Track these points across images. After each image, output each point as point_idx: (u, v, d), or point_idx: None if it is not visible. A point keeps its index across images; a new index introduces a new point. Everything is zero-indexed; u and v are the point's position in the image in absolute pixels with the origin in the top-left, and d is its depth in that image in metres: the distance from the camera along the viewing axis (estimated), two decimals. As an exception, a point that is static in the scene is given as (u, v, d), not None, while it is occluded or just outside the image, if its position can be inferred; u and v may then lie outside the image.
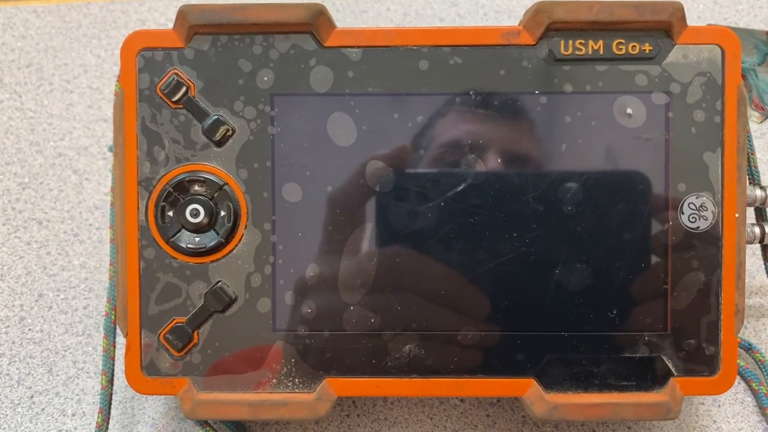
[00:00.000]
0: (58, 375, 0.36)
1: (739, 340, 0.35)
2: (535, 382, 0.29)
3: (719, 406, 0.34)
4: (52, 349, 0.36)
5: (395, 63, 0.29)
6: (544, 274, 0.29)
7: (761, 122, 0.33)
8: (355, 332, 0.29)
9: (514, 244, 0.29)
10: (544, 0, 0.29)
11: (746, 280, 0.37)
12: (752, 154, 0.33)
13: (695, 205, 0.29)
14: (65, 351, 0.36)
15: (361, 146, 0.29)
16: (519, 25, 0.29)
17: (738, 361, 0.31)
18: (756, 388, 0.34)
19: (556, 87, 0.29)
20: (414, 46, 0.29)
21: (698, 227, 0.29)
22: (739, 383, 0.35)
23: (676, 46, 0.29)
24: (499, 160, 0.29)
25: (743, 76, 0.32)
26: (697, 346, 0.29)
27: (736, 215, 0.29)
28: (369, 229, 0.29)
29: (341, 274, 0.29)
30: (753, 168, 0.33)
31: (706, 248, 0.29)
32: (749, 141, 0.33)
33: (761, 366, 0.34)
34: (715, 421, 0.34)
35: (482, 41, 0.29)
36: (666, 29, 0.29)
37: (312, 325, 0.29)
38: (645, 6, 0.28)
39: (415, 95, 0.29)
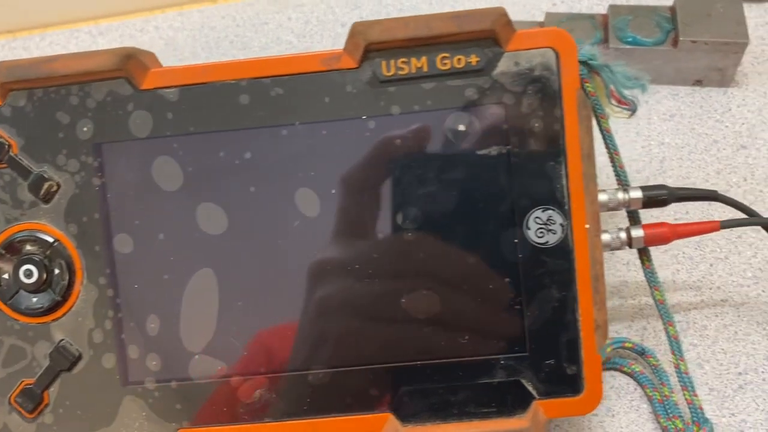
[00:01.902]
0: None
1: (631, 345, 0.33)
2: (392, 417, 0.28)
3: (613, 416, 0.33)
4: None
5: (214, 100, 0.28)
6: (390, 303, 0.28)
7: (630, 117, 0.31)
8: (202, 381, 0.29)
9: (357, 276, 0.28)
10: (360, 21, 0.27)
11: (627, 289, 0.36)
12: (616, 155, 0.31)
13: (542, 219, 0.28)
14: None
15: (189, 189, 0.28)
16: (342, 48, 0.28)
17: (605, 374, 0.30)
18: (650, 394, 0.33)
19: (382, 110, 0.27)
20: (232, 80, 0.28)
21: (547, 242, 0.28)
22: (635, 389, 0.34)
23: (505, 54, 0.27)
24: (333, 191, 0.28)
25: (596, 73, 0.30)
26: (557, 367, 0.28)
27: (587, 226, 0.28)
28: (207, 274, 0.28)
29: (183, 323, 0.28)
30: (618, 169, 0.31)
31: (558, 263, 0.28)
32: (611, 141, 0.31)
33: (655, 371, 0.33)
34: (608, 432, 0.33)
35: (302, 69, 0.28)
36: (492, 37, 0.27)
37: (159, 376, 0.29)
38: (464, 16, 0.27)
39: (239, 131, 0.28)
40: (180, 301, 0.28)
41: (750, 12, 0.44)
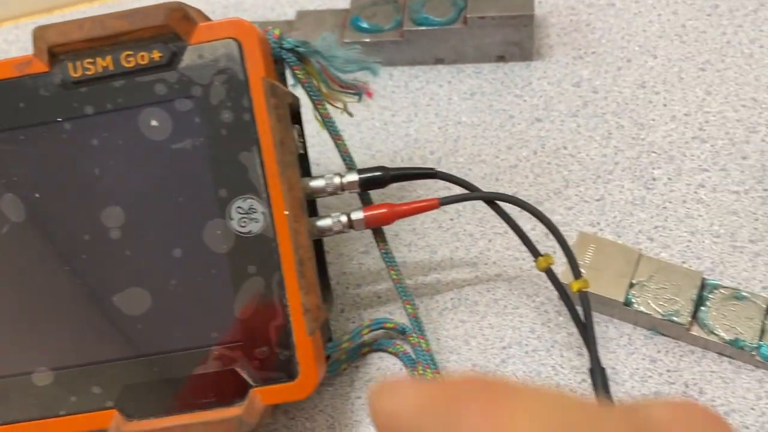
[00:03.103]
0: None
1: (392, 325, 0.33)
2: (117, 413, 0.29)
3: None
4: None
5: None
6: (104, 302, 0.28)
7: (360, 101, 0.31)
8: (-70, 389, 0.29)
9: (69, 278, 0.28)
10: (40, 25, 0.27)
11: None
12: (338, 140, 0.31)
13: (243, 209, 0.28)
14: None
15: None
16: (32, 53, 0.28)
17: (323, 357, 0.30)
18: (411, 374, 0.33)
19: (77, 111, 0.28)
20: (-70, 93, 0.28)
21: (250, 231, 0.28)
22: (401, 369, 0.34)
23: (189, 48, 0.27)
24: (37, 195, 0.28)
25: (305, 61, 0.30)
26: (270, 353, 0.28)
27: (286, 212, 0.28)
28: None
29: None
30: (343, 153, 0.31)
31: (262, 252, 0.28)
32: (332, 126, 0.31)
33: (415, 350, 0.33)
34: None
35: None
36: (174, 32, 0.27)
37: None
38: (137, 13, 0.27)
39: (-57, 143, 0.28)
40: None
41: (552, -17, 0.44)
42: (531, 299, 0.35)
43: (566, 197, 0.37)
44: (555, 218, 0.37)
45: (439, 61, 0.44)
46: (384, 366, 0.34)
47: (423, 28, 0.42)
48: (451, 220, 0.38)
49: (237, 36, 0.27)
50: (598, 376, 0.28)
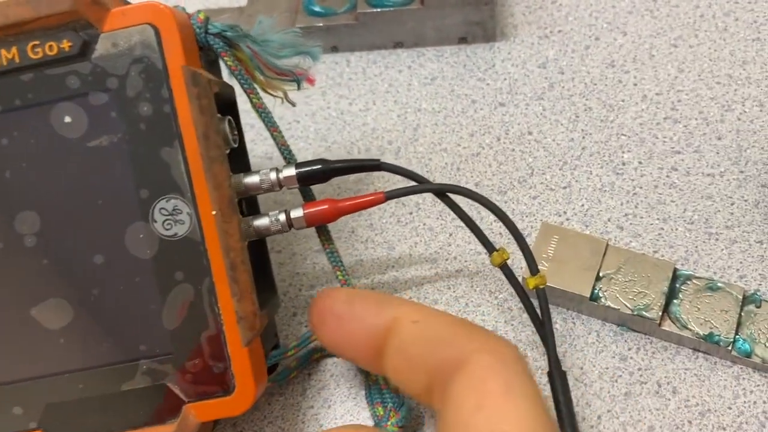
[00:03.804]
0: None
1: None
2: (41, 434, 0.26)
3: (329, 406, 0.31)
4: None
5: None
6: (21, 316, 0.26)
7: (300, 88, 0.29)
8: None
9: (-18, 290, 0.26)
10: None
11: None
12: (274, 131, 0.29)
13: (167, 210, 0.26)
14: None
15: None
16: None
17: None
18: (363, 379, 0.31)
19: (-18, 109, 0.25)
20: None
21: (176, 234, 0.26)
22: (356, 375, 0.31)
23: (102, 36, 0.25)
24: (-56, 202, 0.26)
25: (235, 46, 0.27)
26: (203, 366, 0.26)
27: (213, 213, 0.25)
28: None
29: None
30: (281, 146, 0.29)
31: (190, 256, 0.26)
32: (267, 117, 0.29)
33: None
34: (322, 425, 0.31)
35: None
36: (85, 19, 0.25)
37: None
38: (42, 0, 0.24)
39: None
40: None
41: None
42: (493, 296, 0.32)
43: (531, 186, 0.35)
44: (520, 208, 0.34)
45: (398, 44, 0.41)
46: (338, 372, 0.32)
47: (378, 9, 0.39)
48: (411, 214, 0.35)
49: (153, 21, 0.25)
50: (557, 380, 0.26)
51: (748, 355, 0.29)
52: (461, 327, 0.23)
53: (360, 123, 0.39)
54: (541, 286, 0.27)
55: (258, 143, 0.39)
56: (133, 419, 0.26)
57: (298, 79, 0.29)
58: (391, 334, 0.24)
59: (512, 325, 0.31)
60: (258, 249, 0.29)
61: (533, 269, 0.27)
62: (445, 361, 0.22)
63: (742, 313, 0.30)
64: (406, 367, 0.24)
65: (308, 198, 0.29)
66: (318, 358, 0.32)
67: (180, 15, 0.26)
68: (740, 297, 0.30)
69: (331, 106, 0.40)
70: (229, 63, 0.27)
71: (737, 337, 0.29)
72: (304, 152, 0.38)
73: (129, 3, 0.26)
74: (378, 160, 0.28)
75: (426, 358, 0.23)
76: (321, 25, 0.40)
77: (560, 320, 0.31)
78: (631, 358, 0.30)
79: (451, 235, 0.34)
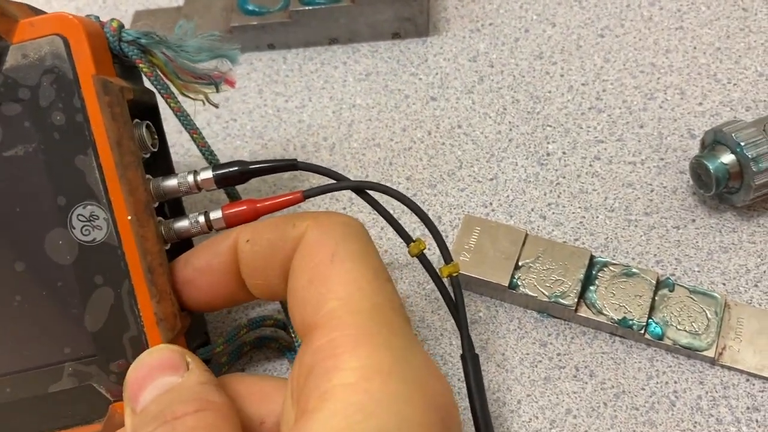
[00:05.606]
0: None
1: (272, 321, 0.32)
2: (-23, 438, 0.27)
3: (262, 400, 0.32)
4: None
5: None
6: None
7: (218, 91, 0.30)
8: None
9: None
10: None
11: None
12: (194, 134, 0.29)
13: (85, 216, 0.26)
14: None
15: None
16: None
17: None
18: (296, 373, 0.31)
19: None
20: None
21: (94, 239, 0.26)
22: (288, 369, 0.32)
23: (12, 47, 0.26)
24: None
25: (150, 53, 0.28)
26: (126, 366, 0.26)
27: (129, 218, 0.26)
28: None
29: None
30: (201, 148, 0.29)
31: (108, 260, 0.26)
32: (186, 121, 0.29)
33: (299, 345, 0.31)
34: (255, 418, 0.31)
35: None
36: (-6, 31, 0.25)
37: None
38: (-52, 12, 0.25)
39: None
40: None
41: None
42: (421, 287, 0.33)
43: (459, 178, 0.36)
44: (448, 201, 0.35)
45: (333, 41, 0.42)
46: (271, 367, 0.33)
47: (309, 7, 0.40)
48: (344, 209, 0.36)
49: (62, 32, 0.25)
50: (469, 362, 0.27)
51: (660, 338, 0.30)
52: (287, 219, 0.25)
53: (296, 120, 0.40)
54: (455, 274, 0.28)
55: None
56: (61, 420, 0.27)
57: (215, 82, 0.29)
58: (238, 261, 0.26)
59: (438, 314, 0.32)
60: (183, 250, 0.30)
61: (447, 258, 0.28)
62: (286, 257, 0.24)
63: (656, 298, 0.31)
64: (265, 285, 0.25)
65: (233, 198, 0.30)
66: (248, 351, 0.32)
67: (90, 24, 0.26)
68: (654, 282, 0.31)
69: (268, 103, 0.40)
70: (144, 69, 0.28)
71: (650, 321, 0.30)
72: (240, 150, 0.39)
73: (40, 14, 0.27)
74: (295, 159, 0.29)
75: (273, 268, 0.24)
76: (256, 23, 0.41)
77: (484, 308, 0.32)
78: (551, 343, 0.31)
79: (382, 228, 0.35)
